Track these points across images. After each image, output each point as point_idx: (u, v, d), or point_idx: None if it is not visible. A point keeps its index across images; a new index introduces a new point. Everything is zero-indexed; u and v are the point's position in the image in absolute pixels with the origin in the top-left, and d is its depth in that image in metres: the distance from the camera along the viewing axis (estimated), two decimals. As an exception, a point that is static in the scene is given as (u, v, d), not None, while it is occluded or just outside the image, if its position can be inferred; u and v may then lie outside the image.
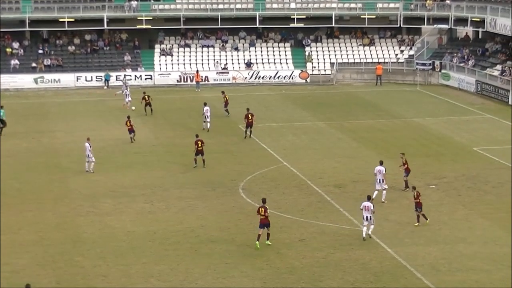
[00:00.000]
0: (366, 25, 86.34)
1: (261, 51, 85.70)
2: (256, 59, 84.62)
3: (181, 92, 77.04)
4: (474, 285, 31.82)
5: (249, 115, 56.73)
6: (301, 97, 74.05)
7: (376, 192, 41.62)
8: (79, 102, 72.03)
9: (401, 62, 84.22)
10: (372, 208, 36.55)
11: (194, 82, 78.88)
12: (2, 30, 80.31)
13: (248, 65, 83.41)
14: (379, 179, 41.92)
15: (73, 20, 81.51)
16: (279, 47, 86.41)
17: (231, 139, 56.65)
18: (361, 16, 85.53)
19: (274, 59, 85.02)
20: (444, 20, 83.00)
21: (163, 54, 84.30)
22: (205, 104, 59.83)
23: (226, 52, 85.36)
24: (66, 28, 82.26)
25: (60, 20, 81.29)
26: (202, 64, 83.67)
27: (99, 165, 48.15)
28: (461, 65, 79.13)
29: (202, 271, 33.05)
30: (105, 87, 78.46)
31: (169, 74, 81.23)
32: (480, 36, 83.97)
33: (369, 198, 37.30)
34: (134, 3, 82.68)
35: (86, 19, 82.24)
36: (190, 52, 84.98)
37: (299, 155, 52.36)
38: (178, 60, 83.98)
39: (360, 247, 35.69)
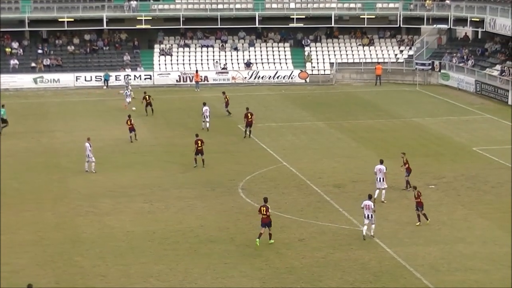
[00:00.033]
0: (365, 25, 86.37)
1: (261, 51, 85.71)
2: (256, 59, 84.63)
3: (180, 92, 77.04)
4: (473, 285, 31.81)
5: (249, 114, 56.75)
6: (301, 97, 74.05)
7: (377, 191, 41.64)
8: (79, 102, 72.03)
9: (400, 62, 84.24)
10: (372, 207, 36.58)
11: (193, 82, 78.88)
12: (1, 30, 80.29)
13: (248, 65, 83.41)
14: (379, 178, 41.91)
15: (72, 20, 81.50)
16: (278, 47, 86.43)
17: (230, 139, 56.65)
18: (361, 16, 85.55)
19: (274, 59, 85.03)
20: (444, 20, 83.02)
21: (163, 54, 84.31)
22: (204, 104, 59.87)
23: (225, 52, 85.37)
24: (66, 28, 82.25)
25: (60, 20, 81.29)
26: (202, 64, 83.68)
27: (98, 165, 48.14)
28: (461, 65, 79.14)
29: (201, 271, 33.04)
30: (105, 87, 78.48)
31: (169, 74, 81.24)
32: (479, 36, 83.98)
33: (370, 197, 37.31)
34: (133, 3, 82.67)
35: (86, 19, 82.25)
36: (189, 52, 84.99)
37: (298, 155, 52.35)
38: (177, 60, 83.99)
39: (359, 247, 35.68)
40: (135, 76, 79.41)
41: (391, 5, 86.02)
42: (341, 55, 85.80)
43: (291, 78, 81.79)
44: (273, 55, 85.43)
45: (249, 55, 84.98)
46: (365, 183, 45.10)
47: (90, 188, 44.81)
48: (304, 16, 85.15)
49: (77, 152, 51.81)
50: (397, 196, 42.98)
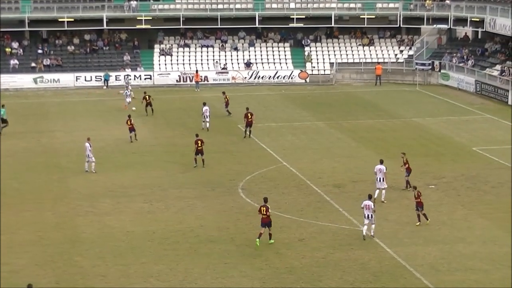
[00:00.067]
0: (365, 25, 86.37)
1: (261, 51, 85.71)
2: (256, 59, 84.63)
3: (180, 92, 77.04)
4: (473, 285, 31.81)
5: (249, 114, 56.77)
6: (301, 97, 74.05)
7: (377, 191, 41.65)
8: (79, 102, 72.03)
9: (400, 62, 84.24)
10: (372, 206, 36.60)
11: (193, 82, 78.89)
12: (1, 30, 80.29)
13: (248, 65, 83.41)
14: (379, 178, 41.91)
15: (72, 20, 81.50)
16: (278, 47, 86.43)
17: (230, 139, 56.65)
18: (361, 16, 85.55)
19: (274, 59, 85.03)
20: (444, 20, 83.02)
21: (163, 54, 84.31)
22: (204, 104, 59.91)
23: (225, 52, 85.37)
24: (66, 28, 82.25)
25: (60, 20, 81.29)
26: (202, 64, 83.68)
27: (98, 165, 48.13)
28: (461, 65, 79.14)
29: (201, 271, 33.04)
30: (105, 87, 78.49)
31: (169, 74, 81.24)
32: (479, 36, 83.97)
33: (370, 197, 37.32)
34: (133, 3, 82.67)
35: (86, 19, 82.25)
36: (189, 52, 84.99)
37: (298, 155, 52.35)
38: (177, 60, 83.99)
39: (359, 247, 35.68)
40: (135, 76, 79.39)
41: (391, 5, 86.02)
42: (341, 55, 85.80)
43: (291, 78, 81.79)
44: (273, 55, 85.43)
45: (249, 55, 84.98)
46: (365, 183, 45.11)
47: (90, 188, 44.81)
48: (304, 16, 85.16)
49: (77, 152, 51.83)
50: (397, 196, 42.98)
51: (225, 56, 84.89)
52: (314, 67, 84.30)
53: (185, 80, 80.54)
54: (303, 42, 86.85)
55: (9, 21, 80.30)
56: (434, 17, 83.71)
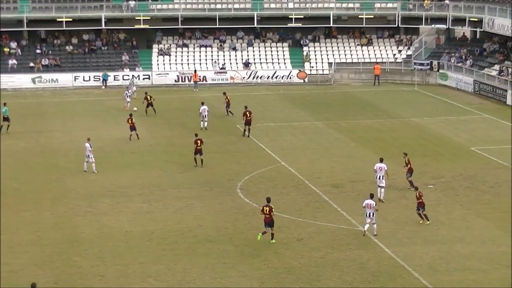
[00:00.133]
0: (364, 25, 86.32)
1: (259, 51, 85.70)
2: (254, 59, 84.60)
3: (179, 92, 77.03)
4: (471, 285, 31.83)
5: (247, 113, 56.82)
6: (299, 97, 74.06)
7: (379, 189, 41.67)
8: (77, 102, 72.02)
9: (399, 62, 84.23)
10: (374, 205, 36.69)
11: (192, 82, 78.87)
12: (0, 30, 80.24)
13: (246, 65, 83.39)
14: (380, 176, 41.93)
15: (71, 20, 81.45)
16: (277, 47, 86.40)
17: (229, 139, 56.65)
18: (359, 16, 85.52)
19: (272, 59, 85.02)
20: (442, 20, 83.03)
21: (161, 54, 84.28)
22: (202, 104, 60.00)
23: (224, 52, 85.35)
24: (64, 28, 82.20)
25: (58, 20, 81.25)
26: (200, 64, 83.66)
27: (97, 165, 48.08)
28: (459, 65, 79.16)
29: (199, 271, 33.05)
30: (103, 87, 78.47)
31: (167, 74, 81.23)
32: (478, 36, 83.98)
33: (372, 196, 37.43)
34: (132, 3, 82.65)
35: (84, 19, 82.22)
36: (188, 52, 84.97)
37: (297, 155, 52.36)
38: (176, 60, 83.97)
39: (358, 247, 35.70)
40: (133, 76, 79.26)
41: (390, 5, 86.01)
42: (339, 55, 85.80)
43: (290, 78, 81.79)
44: (272, 55, 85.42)
45: (248, 55, 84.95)
46: (363, 183, 45.14)
47: (89, 188, 44.81)
48: (302, 16, 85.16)
49: (76, 152, 51.84)
50: (396, 196, 43.00)
51: (224, 56, 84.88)
52: (312, 67, 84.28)
53: (183, 80, 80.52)
54: (301, 42, 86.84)
55: (7, 21, 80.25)
56: (432, 17, 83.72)
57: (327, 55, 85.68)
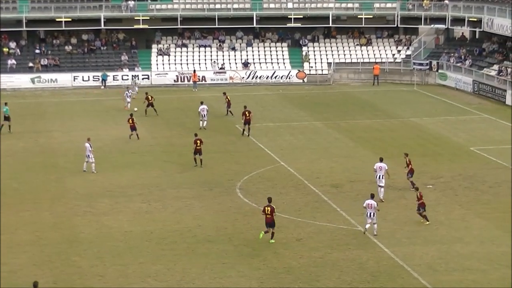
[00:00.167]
0: (363, 25, 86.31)
1: (258, 51, 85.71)
2: (253, 59, 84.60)
3: (178, 92, 77.02)
4: (471, 285, 31.84)
5: (246, 112, 56.86)
6: (298, 97, 74.06)
7: (379, 189, 41.69)
8: (76, 102, 72.01)
9: (398, 62, 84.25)
10: (376, 206, 36.73)
11: (191, 82, 78.88)
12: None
13: (245, 65, 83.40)
14: (380, 175, 41.92)
15: (70, 20, 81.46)
16: (276, 47, 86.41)
17: (228, 139, 56.65)
18: (358, 16, 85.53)
19: (271, 59, 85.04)
20: (441, 20, 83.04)
21: (160, 54, 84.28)
22: (201, 103, 60.08)
23: (223, 52, 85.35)
24: (63, 28, 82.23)
25: (57, 20, 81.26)
26: (199, 64, 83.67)
27: (96, 165, 48.06)
28: (458, 65, 79.18)
29: (199, 271, 33.05)
30: (102, 87, 78.46)
31: (166, 74, 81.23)
32: (477, 36, 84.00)
33: (372, 196, 37.48)
34: (131, 3, 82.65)
35: (83, 19, 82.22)
36: (187, 52, 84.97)
37: (296, 155, 52.36)
38: (175, 60, 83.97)
39: (357, 247, 35.70)
40: (132, 76, 79.27)
41: (389, 5, 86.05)
42: (338, 55, 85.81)
43: (289, 78, 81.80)
44: (271, 55, 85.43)
45: (247, 55, 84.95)
46: (362, 183, 45.16)
47: (88, 188, 44.80)
48: (301, 16, 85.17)
49: (75, 152, 51.84)
50: (395, 196, 43.00)
51: (223, 56, 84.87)
52: (311, 67, 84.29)
53: (182, 80, 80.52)
54: (300, 42, 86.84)
55: (6, 21, 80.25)
56: (431, 17, 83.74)
57: (326, 55, 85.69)
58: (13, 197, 43.16)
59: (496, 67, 75.15)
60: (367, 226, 36.87)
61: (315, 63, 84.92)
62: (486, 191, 44.21)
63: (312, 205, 41.78)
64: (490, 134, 58.48)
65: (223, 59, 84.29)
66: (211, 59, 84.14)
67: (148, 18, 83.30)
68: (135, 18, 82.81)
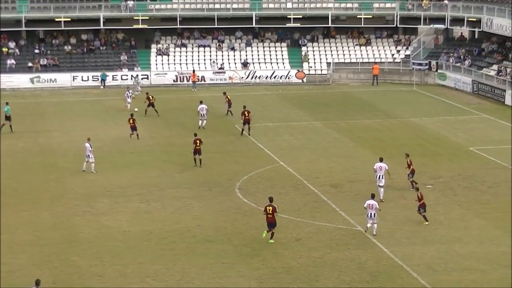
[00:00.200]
0: (362, 25, 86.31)
1: (258, 51, 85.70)
2: (253, 59, 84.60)
3: (177, 92, 77.00)
4: (470, 285, 31.85)
5: (245, 112, 56.86)
6: (298, 97, 74.06)
7: (379, 189, 41.69)
8: (76, 102, 72.00)
9: (397, 62, 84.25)
10: (377, 206, 36.76)
11: (190, 82, 78.88)
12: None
13: (245, 65, 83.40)
14: (380, 175, 41.92)
15: (69, 19, 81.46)
16: (275, 47, 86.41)
17: (227, 139, 56.64)
18: (358, 16, 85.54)
19: (271, 59, 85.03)
20: (441, 20, 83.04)
21: (160, 54, 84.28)
22: (201, 102, 60.13)
23: (222, 52, 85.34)
24: (63, 28, 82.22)
25: (56, 19, 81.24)
26: (199, 64, 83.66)
27: (95, 164, 48.04)
28: (458, 65, 79.19)
29: (198, 271, 33.05)
30: (102, 87, 78.44)
31: (166, 74, 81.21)
32: (476, 36, 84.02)
33: (373, 196, 37.53)
34: (130, 3, 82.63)
35: (83, 18, 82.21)
36: (186, 52, 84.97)
37: (295, 155, 52.36)
38: (174, 60, 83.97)
39: (356, 247, 35.71)
40: (132, 76, 79.29)
41: (388, 5, 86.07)
42: (338, 55, 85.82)
43: (288, 78, 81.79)
44: (270, 55, 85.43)
45: (246, 55, 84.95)
46: (362, 183, 45.16)
47: (87, 188, 44.80)
48: (301, 16, 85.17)
49: (74, 152, 51.84)
50: (394, 196, 43.00)
51: (222, 56, 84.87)
52: (311, 67, 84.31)
53: (182, 80, 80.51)
54: (300, 42, 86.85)
55: (6, 21, 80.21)
56: (431, 17, 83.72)
57: (326, 55, 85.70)
58: (13, 197, 43.15)
59: (495, 67, 75.16)
60: (368, 225, 36.88)
61: (315, 63, 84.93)
62: (485, 191, 44.22)
63: (311, 205, 41.79)
64: (490, 134, 58.48)
65: (223, 59, 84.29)
66: (211, 59, 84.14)
67: (148, 18, 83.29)
68: (135, 18, 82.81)
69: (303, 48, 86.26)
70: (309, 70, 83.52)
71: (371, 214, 36.71)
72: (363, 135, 57.84)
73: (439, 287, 31.64)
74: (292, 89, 78.52)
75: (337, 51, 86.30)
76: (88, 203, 41.95)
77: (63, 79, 78.91)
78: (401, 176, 44.66)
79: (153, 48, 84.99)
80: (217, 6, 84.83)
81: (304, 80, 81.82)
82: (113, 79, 79.18)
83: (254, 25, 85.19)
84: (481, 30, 79.29)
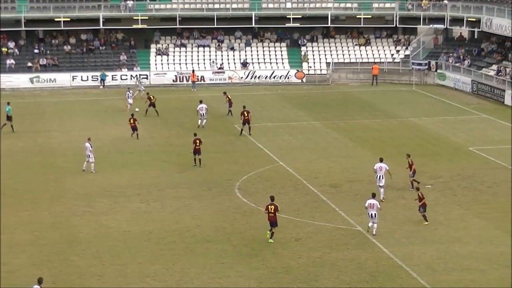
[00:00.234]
0: (362, 25, 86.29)
1: (257, 51, 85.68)
2: (252, 59, 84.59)
3: (177, 92, 76.99)
4: (469, 285, 31.85)
5: (245, 112, 56.87)
6: (297, 97, 74.05)
7: (379, 189, 41.70)
8: (75, 102, 71.99)
9: (397, 62, 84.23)
10: (378, 205, 36.77)
11: (190, 82, 78.88)
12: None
13: (244, 65, 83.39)
14: (380, 176, 41.91)
15: (68, 19, 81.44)
16: (275, 47, 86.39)
17: (227, 139, 56.63)
18: (357, 16, 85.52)
19: (270, 59, 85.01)
20: (440, 20, 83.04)
21: (159, 54, 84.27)
22: (200, 102, 60.16)
23: (222, 51, 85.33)
24: (62, 28, 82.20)
25: (56, 19, 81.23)
26: (198, 63, 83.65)
27: (95, 164, 48.03)
28: (457, 65, 79.19)
29: (197, 271, 33.05)
30: (101, 87, 78.42)
31: (165, 73, 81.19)
32: (476, 36, 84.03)
33: (373, 196, 37.50)
34: (130, 3, 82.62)
35: (82, 18, 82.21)
36: (186, 52, 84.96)
37: (295, 154, 52.36)
38: (174, 60, 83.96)
39: (356, 247, 35.70)
40: (131, 76, 79.30)
41: (388, 5, 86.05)
42: (337, 55, 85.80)
43: (288, 78, 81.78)
44: (270, 55, 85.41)
45: (246, 55, 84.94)
46: (361, 183, 45.16)
47: (87, 187, 44.79)
48: (300, 16, 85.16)
49: (74, 152, 51.84)
50: (394, 196, 42.99)
51: (222, 56, 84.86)
52: (310, 67, 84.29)
53: (181, 80, 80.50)
54: (299, 42, 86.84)
55: (5, 21, 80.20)
56: (430, 17, 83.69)
57: (325, 55, 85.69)
58: (12, 197, 43.14)
59: (495, 67, 75.16)
60: (370, 224, 36.90)
61: (314, 63, 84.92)
62: (485, 191, 44.22)
63: (311, 205, 41.78)
64: (489, 134, 58.48)
65: (222, 59, 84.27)
66: (210, 59, 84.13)
67: (147, 18, 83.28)
68: (134, 18, 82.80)
69: (303, 48, 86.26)
70: (308, 70, 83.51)
71: (372, 214, 36.70)
72: (362, 135, 57.84)
73: (439, 287, 31.64)
74: (291, 89, 78.52)
75: (337, 51, 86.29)
76: (88, 203, 41.95)
77: (63, 79, 78.90)
78: (401, 176, 44.66)
79: (153, 48, 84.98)
80: (216, 6, 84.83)
81: (304, 80, 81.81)
82: (112, 79, 79.16)
83: (253, 25, 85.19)
84: (480, 30, 79.30)
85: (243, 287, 31.72)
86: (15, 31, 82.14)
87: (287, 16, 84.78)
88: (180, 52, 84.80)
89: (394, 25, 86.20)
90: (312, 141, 56.28)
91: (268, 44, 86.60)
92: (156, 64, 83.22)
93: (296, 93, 76.34)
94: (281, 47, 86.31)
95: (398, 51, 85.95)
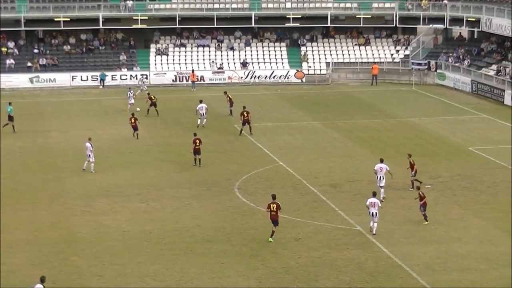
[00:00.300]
0: (361, 25, 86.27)
1: (257, 51, 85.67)
2: (252, 59, 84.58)
3: (176, 92, 76.98)
4: (469, 285, 31.84)
5: (245, 112, 56.88)
6: (297, 97, 74.06)
7: (380, 190, 41.70)
8: (75, 102, 71.98)
9: (396, 62, 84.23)
10: (379, 204, 36.79)
11: (189, 82, 78.87)
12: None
13: (244, 64, 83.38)
14: (380, 176, 41.89)
15: (68, 19, 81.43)
16: (274, 47, 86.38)
17: (227, 139, 56.63)
18: (357, 16, 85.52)
19: (270, 59, 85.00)
20: (440, 20, 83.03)
21: (159, 54, 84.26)
22: (200, 101, 60.16)
23: (221, 51, 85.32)
24: (62, 28, 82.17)
25: (56, 19, 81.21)
26: (198, 63, 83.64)
27: (94, 164, 48.02)
28: (457, 65, 79.19)
29: (197, 271, 33.04)
30: (101, 87, 78.42)
31: (165, 73, 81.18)
32: (475, 36, 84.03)
33: (374, 195, 37.55)
34: (129, 3, 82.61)
35: (82, 18, 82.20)
36: (185, 52, 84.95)
37: (294, 154, 52.35)
38: (173, 60, 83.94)
39: (355, 247, 35.70)
40: (131, 76, 79.31)
41: (387, 4, 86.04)
42: (337, 54, 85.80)
43: (287, 78, 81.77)
44: (269, 55, 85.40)
45: (245, 55, 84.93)
46: (361, 182, 45.16)
47: (86, 187, 44.77)
48: (300, 16, 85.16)
49: (73, 152, 51.83)
50: (393, 196, 42.98)
51: (221, 55, 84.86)
52: (310, 67, 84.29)
53: (181, 79, 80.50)
54: (299, 42, 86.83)
55: (5, 21, 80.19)
56: (430, 17, 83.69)
57: (325, 55, 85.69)
58: (11, 196, 43.12)
59: (494, 67, 75.16)
60: (371, 223, 36.91)
61: (314, 63, 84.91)
62: (484, 191, 44.22)
63: (310, 205, 41.77)
64: (489, 134, 58.48)
65: (222, 59, 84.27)
66: (210, 59, 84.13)
67: (147, 18, 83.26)
68: (134, 18, 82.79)
69: (302, 48, 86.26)
70: (308, 70, 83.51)
71: (373, 213, 36.69)
72: (362, 135, 57.83)
73: (438, 287, 31.64)
74: (291, 89, 78.51)
75: (336, 51, 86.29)
76: (87, 203, 41.93)
77: (62, 79, 78.89)
78: (401, 176, 44.65)
79: (152, 48, 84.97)
80: (216, 6, 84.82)
81: (303, 80, 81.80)
82: (112, 79, 79.15)
83: (253, 25, 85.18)
84: (480, 30, 79.31)
85: (242, 287, 31.71)
86: (14, 31, 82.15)
87: (287, 16, 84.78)
88: (179, 52, 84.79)
89: (394, 25, 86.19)
90: (311, 141, 56.28)
91: (268, 44, 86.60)
92: (155, 64, 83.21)
93: (295, 93, 76.35)
94: (280, 47, 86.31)
95: (397, 51, 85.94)
